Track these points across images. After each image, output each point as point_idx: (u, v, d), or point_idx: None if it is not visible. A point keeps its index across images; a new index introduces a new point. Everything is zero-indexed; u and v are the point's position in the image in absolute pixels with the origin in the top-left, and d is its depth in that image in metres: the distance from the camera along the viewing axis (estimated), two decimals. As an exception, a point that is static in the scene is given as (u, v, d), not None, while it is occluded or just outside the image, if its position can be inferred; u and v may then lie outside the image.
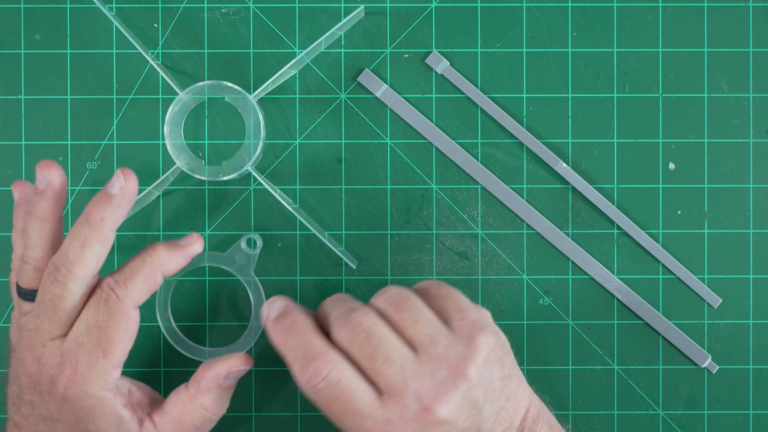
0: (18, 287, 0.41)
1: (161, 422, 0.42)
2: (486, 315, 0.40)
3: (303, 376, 0.38)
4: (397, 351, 0.37)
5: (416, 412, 0.37)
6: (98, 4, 0.47)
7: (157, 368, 0.49)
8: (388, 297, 0.39)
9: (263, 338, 0.49)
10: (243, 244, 0.46)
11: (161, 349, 0.49)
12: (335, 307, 0.40)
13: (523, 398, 0.40)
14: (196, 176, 0.48)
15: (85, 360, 0.39)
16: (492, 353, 0.38)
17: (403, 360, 0.37)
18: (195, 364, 0.47)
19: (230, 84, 0.48)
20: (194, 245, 0.43)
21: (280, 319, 0.39)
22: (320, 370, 0.37)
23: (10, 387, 0.41)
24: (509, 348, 0.41)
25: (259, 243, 0.46)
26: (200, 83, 0.48)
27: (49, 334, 0.39)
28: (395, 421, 0.37)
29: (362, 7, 0.49)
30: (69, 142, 0.49)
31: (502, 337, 0.40)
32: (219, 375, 0.42)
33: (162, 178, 0.48)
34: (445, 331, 0.38)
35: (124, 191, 0.39)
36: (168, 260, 0.41)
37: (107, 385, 0.40)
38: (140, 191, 0.48)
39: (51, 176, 0.39)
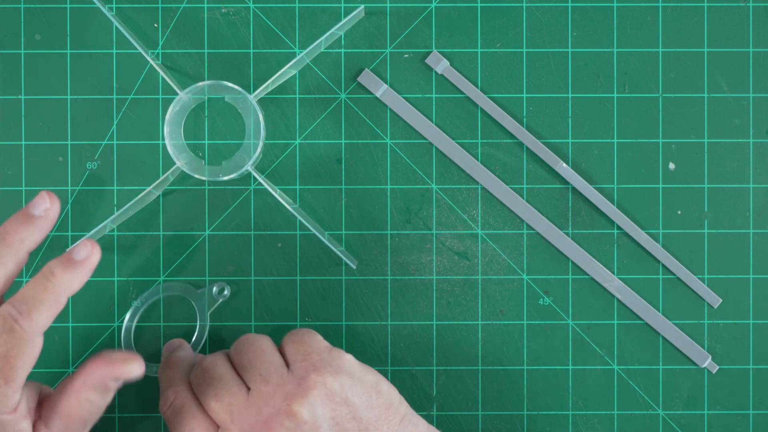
0: None
1: (52, 422, 0.40)
2: (337, 358, 0.41)
3: (160, 403, 0.42)
4: (229, 389, 0.40)
5: None
6: (98, 4, 0.47)
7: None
8: (238, 341, 0.43)
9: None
10: (214, 290, 0.49)
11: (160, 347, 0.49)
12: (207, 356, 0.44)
13: None
14: (196, 176, 0.48)
15: None
16: (334, 393, 0.39)
17: (233, 397, 0.40)
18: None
19: (230, 84, 0.48)
20: (92, 258, 0.39)
21: (166, 354, 0.46)
22: (168, 398, 0.42)
23: None
24: (387, 390, 0.41)
25: (227, 292, 0.49)
26: (200, 83, 0.48)
27: None
28: None
29: (362, 7, 0.49)
30: (69, 142, 0.49)
31: (367, 378, 0.41)
32: (105, 378, 0.40)
33: (162, 178, 0.48)
34: (280, 372, 0.40)
35: (47, 213, 0.39)
36: (71, 282, 0.39)
37: (6, 409, 0.38)
38: (140, 191, 0.48)
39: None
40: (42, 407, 0.41)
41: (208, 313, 0.49)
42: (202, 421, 0.40)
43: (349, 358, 0.42)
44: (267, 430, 0.38)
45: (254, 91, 0.48)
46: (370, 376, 0.41)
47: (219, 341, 0.49)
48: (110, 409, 0.49)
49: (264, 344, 0.42)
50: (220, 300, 0.49)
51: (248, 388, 0.40)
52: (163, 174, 0.49)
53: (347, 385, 0.40)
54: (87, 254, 0.39)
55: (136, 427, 0.49)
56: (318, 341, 0.42)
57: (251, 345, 0.42)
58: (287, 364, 0.41)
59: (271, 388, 0.39)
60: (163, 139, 0.48)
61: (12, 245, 0.38)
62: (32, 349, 0.38)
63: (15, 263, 0.38)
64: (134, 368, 0.40)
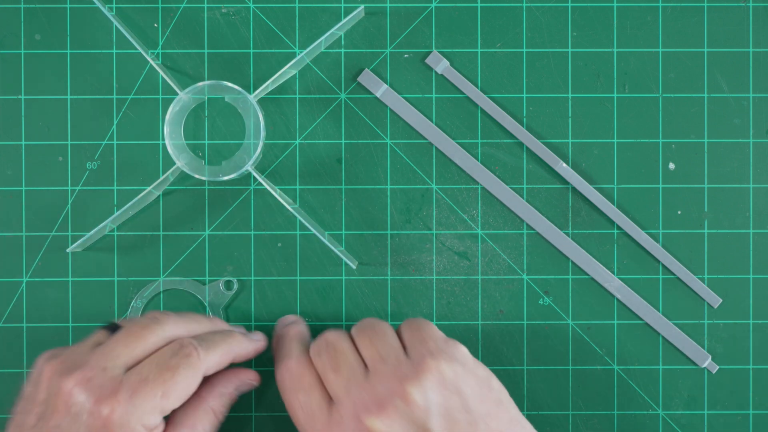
0: (110, 323, 0.42)
1: None
2: (453, 347, 0.41)
3: (279, 369, 0.43)
4: (349, 364, 0.41)
5: (350, 421, 0.39)
6: (98, 4, 0.47)
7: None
8: (360, 323, 0.44)
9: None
10: (221, 286, 0.49)
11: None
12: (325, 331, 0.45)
13: None
14: (196, 176, 0.48)
15: (143, 392, 0.39)
16: (447, 380, 0.40)
17: (351, 372, 0.41)
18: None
19: (230, 84, 0.48)
20: (260, 344, 0.45)
21: (281, 327, 0.46)
22: (290, 367, 0.43)
23: (22, 414, 0.39)
24: (498, 387, 0.42)
25: (235, 286, 0.49)
26: (200, 83, 0.48)
27: (116, 360, 0.39)
28: (334, 427, 0.40)
29: (362, 7, 0.49)
30: (69, 142, 0.49)
31: (480, 372, 0.41)
32: (231, 383, 0.44)
33: (162, 178, 0.48)
34: (397, 353, 0.41)
35: (258, 346, 0.44)
36: (243, 347, 0.43)
37: (149, 423, 0.39)
38: (140, 191, 0.48)
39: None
40: (167, 426, 0.42)
41: (222, 311, 0.49)
42: (319, 392, 0.41)
43: (463, 350, 0.42)
44: (379, 408, 0.39)
45: (254, 91, 0.48)
46: (482, 371, 0.42)
47: (219, 341, 0.49)
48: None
49: (385, 328, 0.43)
50: (230, 295, 0.49)
51: (366, 367, 0.41)
52: (163, 174, 0.49)
53: (461, 374, 0.40)
54: (259, 339, 0.45)
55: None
56: (435, 330, 0.43)
57: (373, 327, 0.43)
58: (404, 349, 0.42)
59: (388, 368, 0.40)
60: (163, 139, 0.48)
61: (229, 340, 0.43)
62: (195, 379, 0.40)
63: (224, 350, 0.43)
64: (254, 376, 0.45)
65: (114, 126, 0.49)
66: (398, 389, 0.39)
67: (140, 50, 0.47)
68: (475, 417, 0.40)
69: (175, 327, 0.41)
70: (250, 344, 0.44)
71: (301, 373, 0.42)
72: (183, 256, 0.49)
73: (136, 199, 0.47)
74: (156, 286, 0.49)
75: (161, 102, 0.49)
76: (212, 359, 0.41)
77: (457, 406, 0.39)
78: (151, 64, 0.48)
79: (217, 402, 0.43)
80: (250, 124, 0.49)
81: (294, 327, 0.46)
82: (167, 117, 0.48)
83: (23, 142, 0.49)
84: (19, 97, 0.49)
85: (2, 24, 0.49)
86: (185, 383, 0.40)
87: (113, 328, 0.41)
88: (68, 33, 0.49)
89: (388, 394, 0.39)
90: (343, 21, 0.47)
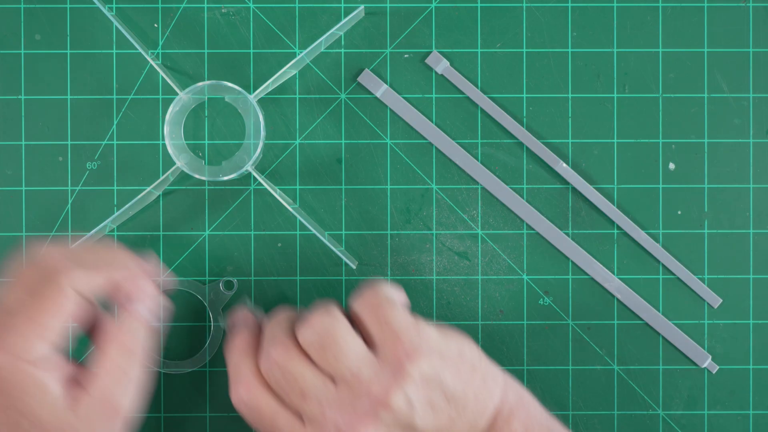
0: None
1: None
2: (425, 336, 0.38)
3: (232, 396, 0.40)
4: (314, 386, 0.38)
5: None
6: (98, 4, 0.48)
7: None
8: (312, 332, 0.39)
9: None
10: (221, 286, 0.49)
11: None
12: (267, 332, 0.41)
13: (490, 398, 0.39)
14: (196, 176, 0.48)
15: (10, 325, 0.36)
16: (428, 378, 0.37)
17: (320, 393, 0.37)
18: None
19: (230, 84, 0.48)
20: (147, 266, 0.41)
21: (229, 334, 0.43)
22: (242, 396, 0.39)
23: None
24: (468, 352, 0.39)
25: (235, 286, 0.49)
26: (200, 83, 0.48)
27: None
28: None
29: (362, 7, 0.49)
30: (69, 142, 0.49)
31: (451, 348, 0.38)
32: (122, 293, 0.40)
33: (162, 178, 0.48)
34: (369, 363, 0.38)
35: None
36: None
37: (29, 357, 0.36)
38: (140, 191, 0.48)
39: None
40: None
41: (222, 311, 0.49)
42: (289, 419, 0.38)
43: (432, 333, 0.38)
44: (362, 423, 0.36)
45: (254, 91, 0.48)
46: (452, 344, 0.39)
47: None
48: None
49: (342, 331, 0.38)
50: (230, 295, 0.49)
51: (333, 380, 0.38)
52: (163, 174, 0.49)
53: (439, 366, 0.37)
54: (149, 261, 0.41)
55: (136, 427, 0.49)
56: (402, 317, 0.38)
57: (333, 337, 0.38)
58: (370, 343, 0.38)
59: (363, 382, 0.37)
60: (163, 139, 0.48)
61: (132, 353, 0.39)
62: (63, 298, 0.37)
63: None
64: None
65: (114, 126, 0.49)
66: (380, 400, 0.36)
67: (140, 50, 0.47)
68: (463, 402, 0.38)
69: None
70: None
71: (257, 405, 0.38)
72: (183, 256, 0.49)
73: (136, 199, 0.47)
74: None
75: (161, 102, 0.49)
76: (84, 278, 0.37)
77: (440, 398, 0.37)
78: (151, 64, 0.48)
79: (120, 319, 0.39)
80: (250, 124, 0.49)
81: (239, 335, 0.42)
82: (167, 117, 0.48)
83: (23, 142, 0.49)
84: (19, 97, 0.49)
85: (2, 24, 0.49)
86: (53, 307, 0.36)
87: None
88: (68, 33, 0.49)
89: (371, 407, 0.36)
90: (343, 21, 0.47)
